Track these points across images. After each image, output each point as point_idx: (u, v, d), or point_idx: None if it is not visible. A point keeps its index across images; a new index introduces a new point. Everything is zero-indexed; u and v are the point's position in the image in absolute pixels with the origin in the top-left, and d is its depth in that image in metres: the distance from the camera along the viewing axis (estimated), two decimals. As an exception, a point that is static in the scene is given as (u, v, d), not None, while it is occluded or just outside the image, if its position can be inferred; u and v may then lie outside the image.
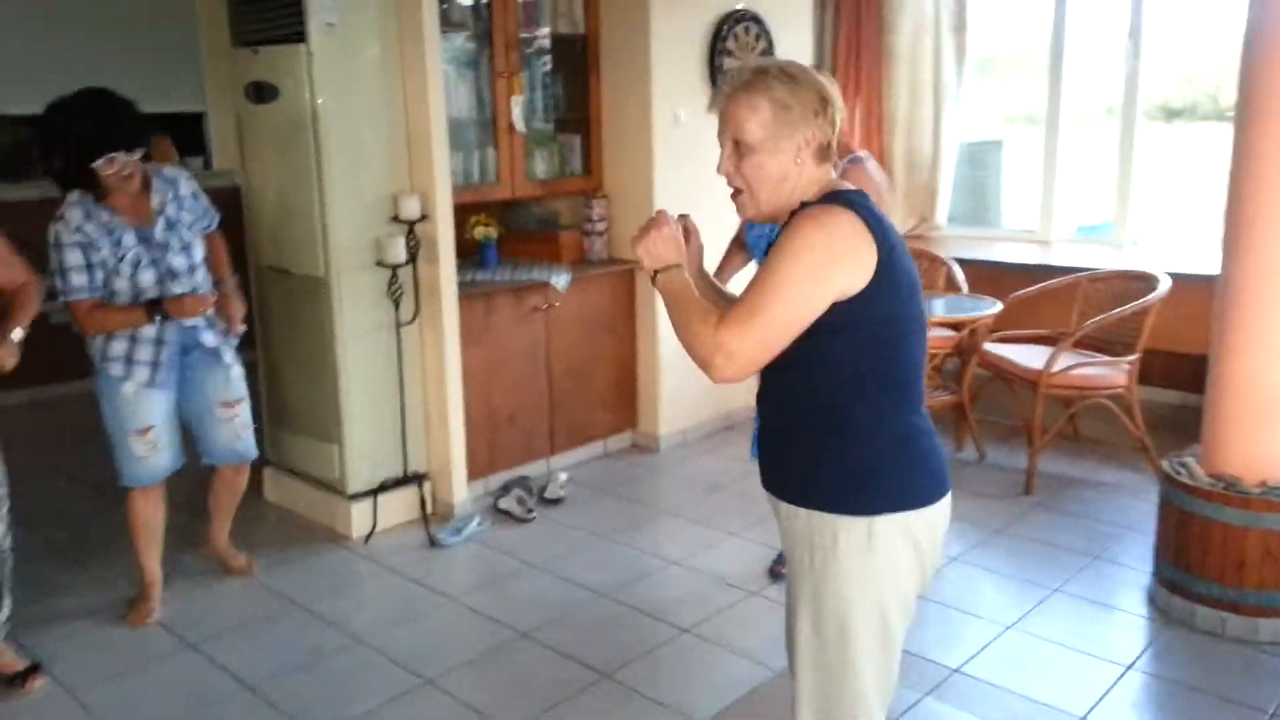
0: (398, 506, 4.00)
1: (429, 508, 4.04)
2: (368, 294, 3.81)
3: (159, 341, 3.13)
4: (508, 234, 4.65)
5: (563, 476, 4.32)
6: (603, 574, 3.59)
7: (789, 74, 1.76)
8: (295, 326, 3.94)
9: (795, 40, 5.22)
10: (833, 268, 1.67)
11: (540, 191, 4.58)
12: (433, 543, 3.85)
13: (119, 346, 3.10)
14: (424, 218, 3.80)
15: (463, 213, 4.27)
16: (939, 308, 4.69)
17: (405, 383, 3.95)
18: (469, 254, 4.42)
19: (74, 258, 2.97)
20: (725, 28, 4.75)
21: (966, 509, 4.10)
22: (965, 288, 5.06)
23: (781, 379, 1.83)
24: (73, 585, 3.55)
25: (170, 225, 3.12)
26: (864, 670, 1.83)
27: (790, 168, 1.77)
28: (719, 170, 1.84)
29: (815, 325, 1.69)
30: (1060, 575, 3.54)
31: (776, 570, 3.51)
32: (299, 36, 3.55)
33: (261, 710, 2.82)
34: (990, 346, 4.60)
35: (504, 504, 4.10)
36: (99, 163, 2.90)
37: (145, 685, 2.96)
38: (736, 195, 1.85)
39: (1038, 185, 5.74)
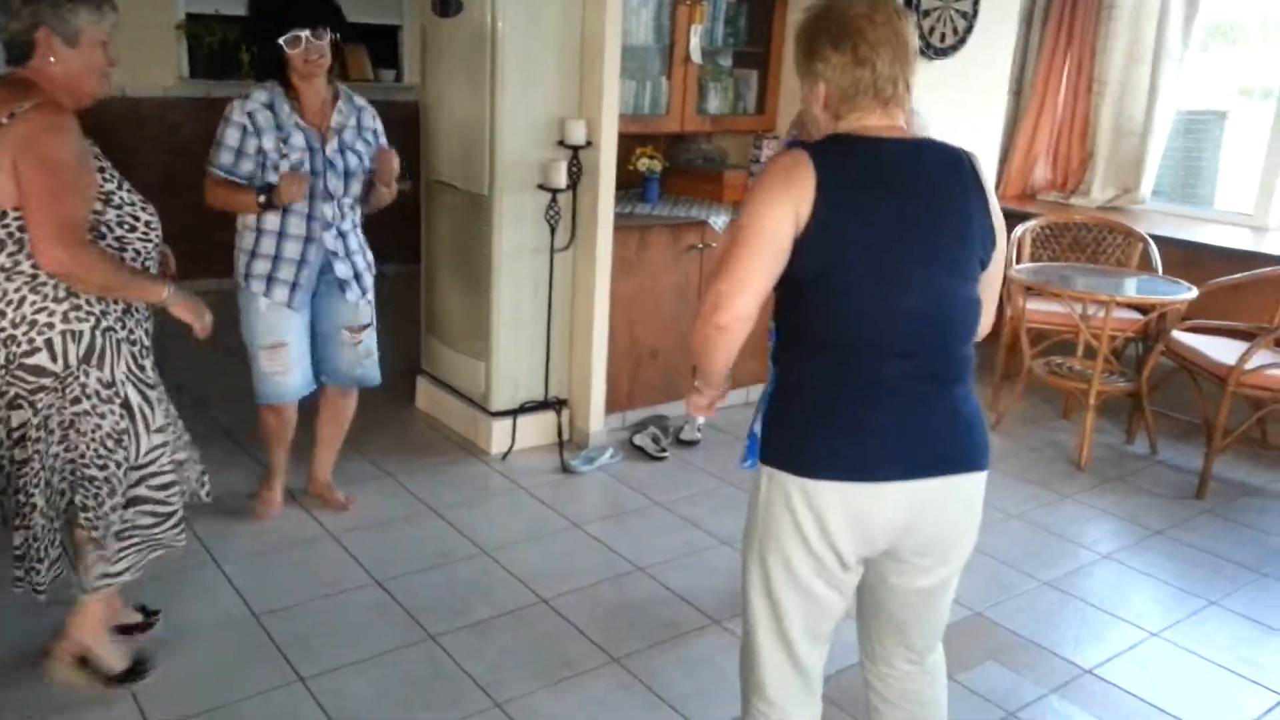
0: (536, 429, 4.07)
1: (565, 434, 4.09)
2: (527, 216, 3.84)
3: (301, 262, 3.10)
4: (672, 169, 4.58)
5: (700, 419, 4.28)
6: (727, 521, 3.56)
7: (817, 9, 1.73)
8: (455, 242, 4.03)
9: (1002, -14, 4.86)
10: (774, 199, 1.65)
11: (710, 127, 4.48)
12: (565, 468, 3.91)
13: (262, 265, 3.08)
14: (588, 144, 3.78)
15: (629, 143, 4.23)
16: (1128, 287, 4.34)
17: (554, 308, 3.98)
18: (632, 185, 4.39)
19: (232, 136, 2.96)
20: (924, -32, 4.49)
21: (1128, 505, 3.85)
22: (1160, 268, 4.68)
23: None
24: (236, 464, 3.78)
25: (341, 149, 3.08)
26: (755, 619, 1.85)
27: (810, 108, 1.77)
28: None
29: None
30: (1221, 588, 3.26)
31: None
32: (488, -49, 3.55)
33: (386, 604, 2.95)
34: (1179, 335, 4.24)
35: (638, 439, 4.11)
36: (284, 39, 2.89)
37: (284, 565, 3.13)
38: None
39: (1260, 164, 5.21)
